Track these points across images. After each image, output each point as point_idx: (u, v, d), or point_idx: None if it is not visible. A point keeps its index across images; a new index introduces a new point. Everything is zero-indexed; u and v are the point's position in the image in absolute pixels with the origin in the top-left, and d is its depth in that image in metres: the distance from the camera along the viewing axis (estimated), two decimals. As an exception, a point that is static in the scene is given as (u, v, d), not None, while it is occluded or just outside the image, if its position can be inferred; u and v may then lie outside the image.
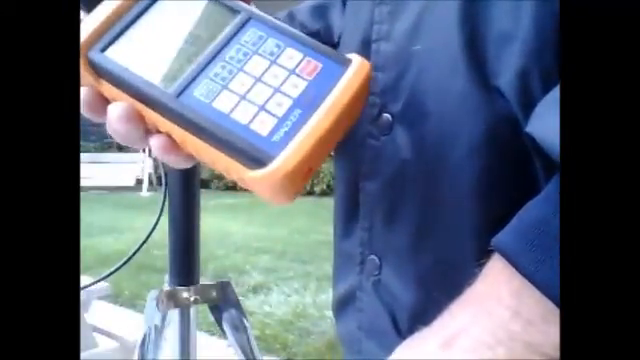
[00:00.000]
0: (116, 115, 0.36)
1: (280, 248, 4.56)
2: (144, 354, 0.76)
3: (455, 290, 0.35)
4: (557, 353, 0.31)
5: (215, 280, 0.82)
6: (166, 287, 0.79)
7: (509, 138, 0.38)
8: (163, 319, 0.77)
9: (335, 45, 0.53)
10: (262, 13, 0.39)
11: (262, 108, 0.35)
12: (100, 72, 0.37)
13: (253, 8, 0.39)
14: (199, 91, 0.36)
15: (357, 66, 0.37)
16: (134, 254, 0.84)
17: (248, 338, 0.81)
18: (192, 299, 0.79)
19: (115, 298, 3.21)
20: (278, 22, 0.38)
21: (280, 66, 0.37)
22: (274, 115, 0.35)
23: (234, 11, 0.38)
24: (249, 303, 3.21)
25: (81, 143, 0.39)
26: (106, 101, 0.37)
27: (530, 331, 0.31)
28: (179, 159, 0.38)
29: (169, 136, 0.37)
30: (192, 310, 0.81)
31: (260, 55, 0.37)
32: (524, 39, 0.36)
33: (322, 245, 4.15)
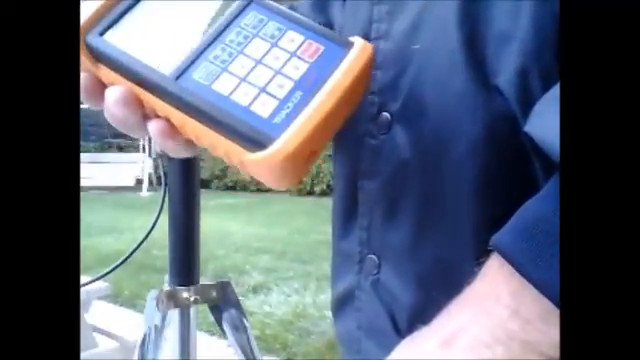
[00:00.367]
0: (113, 99, 0.36)
1: (280, 248, 4.56)
2: (144, 354, 0.76)
3: (454, 289, 0.35)
4: (556, 352, 0.31)
5: (215, 280, 0.81)
6: (166, 287, 0.79)
7: (508, 137, 0.38)
8: (163, 319, 0.77)
9: None
10: None
11: (263, 90, 0.35)
12: (98, 56, 0.36)
13: None
14: (198, 74, 0.35)
15: (359, 48, 0.37)
16: (132, 253, 0.84)
17: (248, 338, 0.80)
18: (192, 299, 0.79)
19: (115, 298, 3.21)
20: (279, 6, 0.38)
21: (281, 48, 0.36)
22: (275, 97, 0.34)
23: None
24: (249, 303, 3.21)
25: (81, 143, 0.39)
26: (104, 86, 0.37)
27: (528, 330, 0.31)
28: (178, 145, 0.37)
29: (168, 120, 0.36)
30: (192, 310, 0.81)
31: (261, 38, 0.36)
32: (523, 38, 0.37)
33: (322, 245, 4.14)
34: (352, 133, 0.45)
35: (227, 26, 0.37)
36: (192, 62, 0.35)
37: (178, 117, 0.35)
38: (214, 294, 0.80)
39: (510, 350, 0.32)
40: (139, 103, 0.36)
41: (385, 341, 0.43)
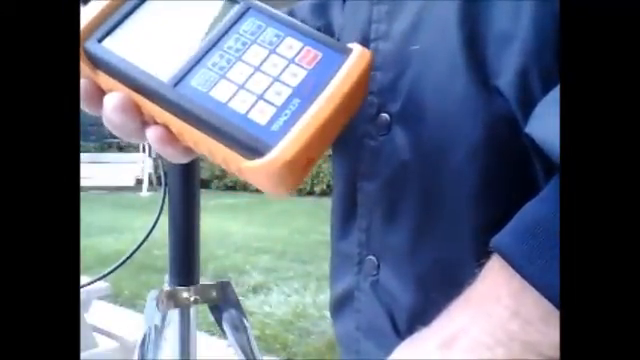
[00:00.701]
0: (112, 105, 0.36)
1: (280, 248, 4.56)
2: (144, 354, 0.76)
3: (454, 290, 0.35)
4: (556, 353, 0.31)
5: (215, 280, 0.82)
6: (166, 287, 0.79)
7: (508, 138, 0.38)
8: (163, 319, 0.77)
9: None
10: (261, 3, 0.38)
11: (261, 97, 0.35)
12: (97, 63, 0.36)
13: None
14: (196, 80, 0.35)
15: (358, 55, 0.37)
16: (132, 253, 0.84)
17: (248, 338, 0.80)
18: (192, 299, 0.79)
19: (115, 298, 3.21)
20: (277, 12, 0.38)
21: (279, 55, 0.36)
22: (273, 104, 0.34)
23: (233, 1, 0.38)
24: (249, 303, 3.21)
25: (81, 143, 0.39)
26: (103, 93, 0.37)
27: (529, 331, 0.31)
28: (177, 151, 0.37)
29: (166, 127, 0.36)
30: (192, 310, 0.81)
31: (259, 44, 0.36)
32: (524, 39, 0.36)
33: (322, 245, 4.14)
34: (351, 134, 0.45)
35: (225, 32, 0.37)
36: (190, 69, 0.36)
37: (176, 124, 0.35)
38: (214, 294, 0.80)
39: (510, 351, 0.32)
40: (138, 110, 0.36)
41: (384, 342, 0.43)
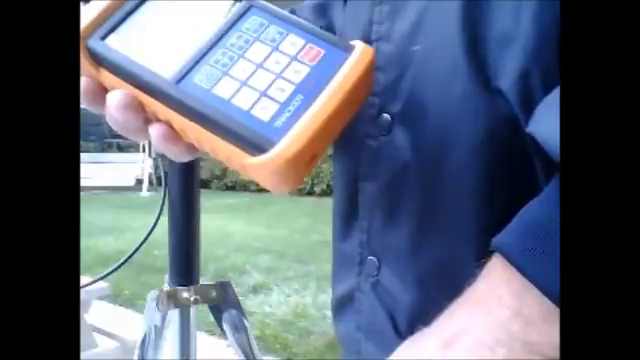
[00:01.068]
0: (115, 103, 0.36)
1: (280, 248, 4.56)
2: (144, 354, 0.76)
3: (454, 291, 0.35)
4: (557, 353, 0.31)
5: (215, 280, 0.81)
6: (166, 287, 0.79)
7: (509, 139, 0.37)
8: (163, 319, 0.77)
9: None
10: (263, 1, 0.38)
11: (264, 94, 0.35)
12: (99, 60, 0.36)
13: None
14: (199, 77, 0.35)
15: (360, 52, 0.36)
16: (132, 254, 0.84)
17: (248, 338, 0.80)
18: (192, 299, 0.79)
19: (115, 298, 3.21)
20: (280, 10, 0.38)
21: (282, 52, 0.36)
22: (276, 101, 0.34)
23: None
24: (249, 303, 3.21)
25: (81, 143, 0.39)
26: (105, 91, 0.37)
27: (530, 331, 0.31)
28: (179, 149, 0.37)
29: (169, 124, 0.36)
30: (192, 310, 0.81)
31: (261, 42, 0.36)
32: (525, 40, 0.36)
33: (322, 245, 4.15)
34: (352, 134, 0.45)
35: (228, 30, 0.37)
36: (193, 66, 0.36)
37: (179, 121, 0.35)
38: (214, 294, 0.80)
39: (512, 351, 0.32)
40: (140, 107, 0.36)
41: (385, 342, 0.43)
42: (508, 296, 0.32)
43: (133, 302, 3.22)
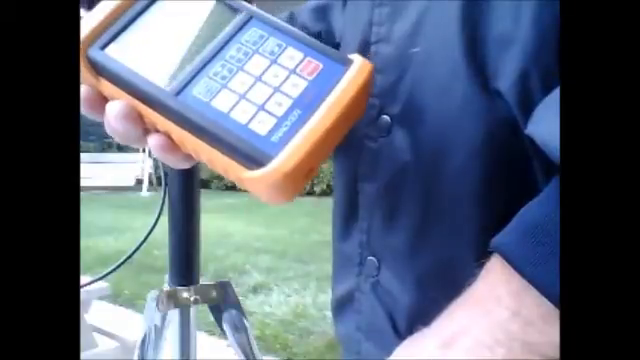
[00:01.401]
0: (114, 113, 0.36)
1: (280, 248, 4.56)
2: (144, 354, 0.76)
3: (454, 291, 0.35)
4: (556, 353, 0.31)
5: (215, 280, 0.82)
6: (166, 287, 0.79)
7: (508, 140, 0.37)
8: (163, 319, 0.77)
9: (337, 47, 0.52)
10: (263, 12, 0.39)
11: (261, 108, 0.35)
12: (99, 70, 0.36)
13: (254, 7, 0.39)
14: (198, 90, 0.35)
15: (358, 66, 0.37)
16: (132, 254, 0.84)
17: (248, 338, 0.80)
18: (192, 299, 0.79)
19: (115, 298, 3.21)
20: (280, 22, 0.38)
21: (280, 66, 0.36)
22: (273, 115, 0.35)
23: (235, 10, 0.38)
24: (249, 303, 3.21)
25: (81, 143, 0.39)
26: (105, 100, 0.37)
27: (529, 331, 0.31)
28: (178, 159, 0.37)
29: (168, 135, 0.37)
30: (192, 310, 0.81)
31: (260, 54, 0.37)
32: (524, 41, 0.36)
33: (322, 245, 4.14)
34: (352, 136, 0.45)
35: (227, 42, 0.37)
36: (192, 78, 0.36)
37: (177, 133, 0.36)
38: (214, 294, 0.80)
39: (511, 351, 0.32)
40: (139, 118, 0.36)
41: (385, 343, 0.43)
42: (507, 296, 0.32)
43: (133, 302, 3.22)
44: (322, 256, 3.97)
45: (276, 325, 2.94)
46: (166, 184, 0.79)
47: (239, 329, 0.80)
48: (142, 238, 0.83)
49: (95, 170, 8.63)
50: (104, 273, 0.85)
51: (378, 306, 0.45)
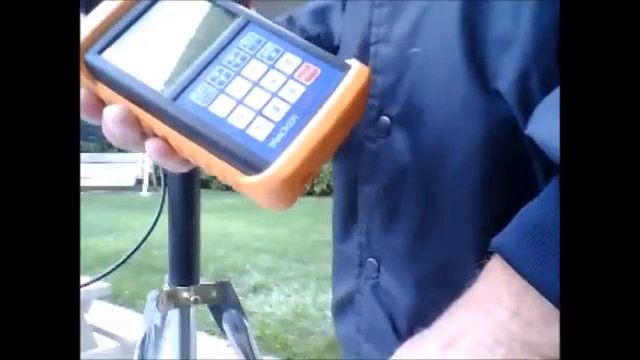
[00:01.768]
0: (112, 118, 0.36)
1: (280, 248, 4.56)
2: (144, 354, 0.76)
3: (454, 292, 0.35)
4: (557, 354, 0.31)
5: (215, 280, 0.82)
6: (166, 287, 0.79)
7: (508, 141, 0.37)
8: (163, 319, 0.77)
9: (336, 49, 0.52)
10: (261, 17, 0.39)
11: (259, 113, 0.35)
12: (97, 74, 0.36)
13: (252, 12, 0.39)
14: (196, 95, 0.35)
15: (356, 72, 0.37)
16: (132, 253, 0.84)
17: (248, 338, 0.80)
18: (192, 299, 0.79)
19: (115, 298, 3.21)
20: (277, 26, 0.38)
21: (278, 71, 0.36)
22: (271, 120, 0.35)
23: (233, 14, 0.38)
24: (249, 303, 3.21)
25: (81, 143, 0.39)
26: (103, 104, 0.37)
27: (529, 332, 0.31)
28: (175, 163, 0.37)
29: (165, 140, 0.36)
30: (192, 310, 0.81)
31: (258, 59, 0.37)
32: (524, 42, 0.36)
33: (322, 245, 4.14)
34: (351, 137, 0.45)
35: (225, 46, 0.37)
36: (190, 83, 0.36)
37: (175, 138, 0.36)
38: (214, 294, 0.80)
39: (511, 352, 0.32)
40: (137, 122, 0.36)
41: (385, 344, 0.43)
42: (507, 297, 0.32)
43: (133, 302, 3.22)
44: (322, 256, 3.97)
45: (276, 325, 2.94)
46: (166, 184, 0.79)
47: (239, 329, 0.80)
48: (142, 238, 0.83)
49: (95, 170, 8.63)
50: (104, 273, 0.85)
51: (378, 307, 0.45)
